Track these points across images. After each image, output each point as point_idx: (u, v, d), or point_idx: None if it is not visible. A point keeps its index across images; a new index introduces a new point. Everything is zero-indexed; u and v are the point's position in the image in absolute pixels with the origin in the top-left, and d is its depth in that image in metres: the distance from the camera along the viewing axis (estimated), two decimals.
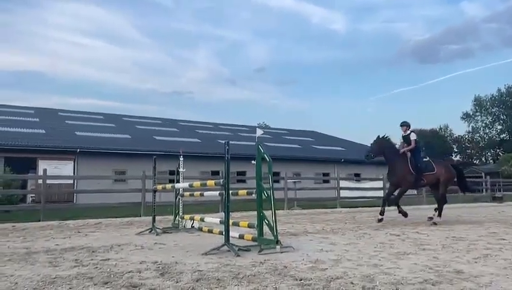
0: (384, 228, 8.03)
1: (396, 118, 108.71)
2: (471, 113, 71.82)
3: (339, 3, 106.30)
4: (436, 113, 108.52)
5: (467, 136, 72.42)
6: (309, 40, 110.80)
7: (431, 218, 9.03)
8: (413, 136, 9.14)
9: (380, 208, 9.08)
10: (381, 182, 18.35)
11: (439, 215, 9.08)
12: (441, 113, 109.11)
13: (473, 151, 72.29)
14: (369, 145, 9.45)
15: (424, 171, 8.96)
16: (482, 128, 71.62)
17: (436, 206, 9.46)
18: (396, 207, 9.36)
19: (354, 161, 31.92)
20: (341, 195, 16.82)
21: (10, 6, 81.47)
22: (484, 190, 23.74)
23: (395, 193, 9.33)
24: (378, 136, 9.18)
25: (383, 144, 9.07)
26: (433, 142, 69.26)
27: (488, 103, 70.47)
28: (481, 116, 71.51)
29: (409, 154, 9.03)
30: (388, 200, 9.23)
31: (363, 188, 19.03)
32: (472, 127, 71.87)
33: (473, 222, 9.34)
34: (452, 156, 71.03)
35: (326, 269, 4.03)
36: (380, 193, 17.86)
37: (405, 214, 9.23)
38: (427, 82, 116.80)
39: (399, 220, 9.92)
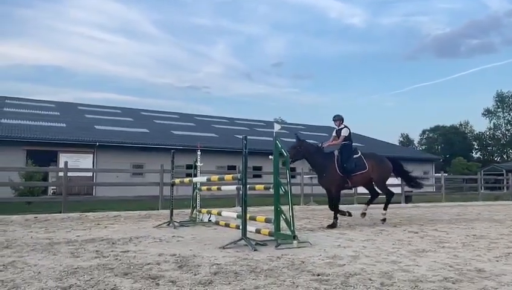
0: (402, 225, 7.94)
1: (416, 113, 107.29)
2: (492, 110, 70.14)
3: None
4: (456, 109, 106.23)
5: (488, 133, 70.77)
6: (327, 34, 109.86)
7: (364, 214, 8.27)
8: (344, 132, 8.11)
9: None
10: (399, 178, 18.08)
11: (385, 208, 8.31)
12: (462, 109, 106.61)
13: (494, 148, 70.65)
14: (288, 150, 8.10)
15: (353, 171, 7.85)
16: (503, 125, 69.90)
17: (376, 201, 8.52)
18: (336, 212, 7.78)
19: None
20: (358, 191, 16.66)
21: (34, 2, 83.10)
22: (505, 187, 23.24)
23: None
24: (298, 137, 8.10)
25: (302, 146, 7.98)
26: (453, 139, 68.01)
27: (511, 99, 68.66)
28: (503, 113, 69.75)
29: (336, 152, 8.05)
30: (336, 207, 7.83)
31: None
32: (493, 123, 70.22)
33: (493, 220, 9.14)
34: (472, 153, 69.63)
35: (344, 264, 4.02)
36: (398, 190, 17.67)
37: (349, 214, 8.06)
38: (447, 77, 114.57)
39: (417, 217, 9.80)
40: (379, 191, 8.56)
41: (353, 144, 8.36)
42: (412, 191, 19.40)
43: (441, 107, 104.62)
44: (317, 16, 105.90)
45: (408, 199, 17.43)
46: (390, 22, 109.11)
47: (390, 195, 8.48)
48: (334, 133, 8.43)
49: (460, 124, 73.33)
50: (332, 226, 7.44)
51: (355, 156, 8.09)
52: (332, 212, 7.73)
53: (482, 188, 20.88)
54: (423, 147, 73.05)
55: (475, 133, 72.31)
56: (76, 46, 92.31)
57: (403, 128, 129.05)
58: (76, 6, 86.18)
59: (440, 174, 21.33)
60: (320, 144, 8.32)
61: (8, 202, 13.40)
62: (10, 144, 19.93)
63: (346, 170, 7.82)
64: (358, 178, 8.00)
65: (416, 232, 6.75)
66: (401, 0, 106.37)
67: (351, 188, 9.01)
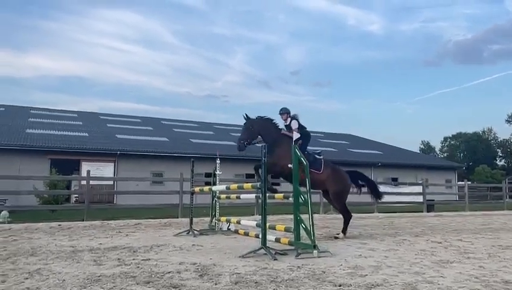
0: (424, 235, 7.78)
1: (437, 120, 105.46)
2: None
3: (376, 4, 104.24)
4: (479, 116, 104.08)
5: None
6: (345, 41, 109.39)
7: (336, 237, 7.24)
8: (294, 125, 7.47)
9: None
10: (421, 187, 17.78)
11: (343, 231, 7.33)
12: (484, 115, 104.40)
13: None
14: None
15: (310, 164, 6.71)
16: None
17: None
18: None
19: (392, 165, 31.16)
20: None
21: (58, 15, 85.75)
22: None
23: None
24: (247, 117, 7.42)
25: (255, 124, 7.32)
26: (476, 146, 66.39)
27: None
28: None
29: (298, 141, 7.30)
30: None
31: (402, 192, 18.49)
32: None
33: None
34: (496, 160, 67.76)
35: (366, 275, 3.96)
36: (420, 198, 17.35)
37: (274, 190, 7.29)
38: (469, 83, 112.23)
39: (440, 227, 9.59)
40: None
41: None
42: (433, 200, 19.03)
43: (463, 113, 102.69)
44: (335, 23, 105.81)
45: (430, 208, 17.06)
46: (410, 28, 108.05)
47: (347, 216, 7.57)
48: (284, 130, 7.66)
49: (483, 131, 71.57)
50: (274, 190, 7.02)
51: (317, 156, 7.55)
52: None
53: (507, 196, 20.27)
54: (445, 155, 71.51)
55: (499, 140, 70.44)
56: (98, 57, 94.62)
57: (423, 136, 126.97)
58: (99, 18, 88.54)
59: (463, 183, 20.85)
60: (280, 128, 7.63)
61: (33, 210, 13.77)
62: (35, 153, 20.48)
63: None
64: (312, 175, 6.90)
65: (440, 242, 6.60)
66: (420, 6, 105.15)
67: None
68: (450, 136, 74.28)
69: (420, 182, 18.66)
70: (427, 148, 74.87)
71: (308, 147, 7.67)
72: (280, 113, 7.70)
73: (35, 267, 4.32)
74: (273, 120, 7.60)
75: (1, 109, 29.12)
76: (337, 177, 7.54)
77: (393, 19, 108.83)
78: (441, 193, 24.88)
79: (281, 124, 7.71)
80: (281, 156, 6.97)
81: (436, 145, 76.83)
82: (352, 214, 7.83)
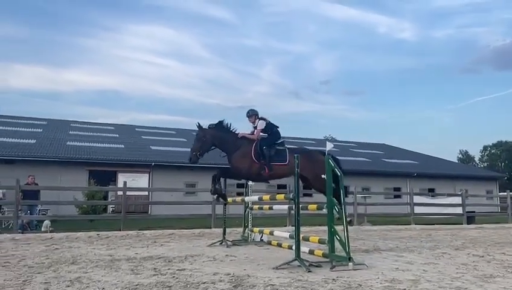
0: (465, 248, 7.47)
1: (475, 128, 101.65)
2: None
3: (408, 10, 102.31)
4: None
5: None
6: (376, 49, 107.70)
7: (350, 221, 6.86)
8: (260, 125, 7.18)
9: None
10: (460, 198, 17.12)
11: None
12: None
13: None
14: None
15: (272, 159, 6.91)
16: None
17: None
18: (217, 180, 7.21)
19: (428, 175, 30.21)
20: (415, 211, 15.94)
21: (95, 31, 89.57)
22: None
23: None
24: (199, 126, 7.14)
25: (207, 134, 7.05)
26: None
27: None
28: None
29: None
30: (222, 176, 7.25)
31: (440, 204, 17.85)
32: None
33: None
34: None
35: (404, 289, 3.84)
36: (459, 210, 16.70)
37: (224, 197, 7.49)
38: (509, 90, 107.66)
39: (482, 239, 9.17)
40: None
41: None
42: (474, 212, 18.26)
43: (504, 121, 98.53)
44: (365, 31, 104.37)
45: (470, 220, 16.38)
46: (444, 34, 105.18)
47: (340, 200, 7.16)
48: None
49: None
50: (224, 198, 7.18)
51: (279, 147, 7.15)
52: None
53: None
54: (485, 164, 68.66)
55: None
56: (133, 71, 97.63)
57: (461, 145, 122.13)
58: (133, 33, 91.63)
59: (506, 193, 19.89)
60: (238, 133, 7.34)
61: (73, 220, 14.28)
62: (74, 164, 21.29)
63: (264, 155, 6.86)
64: (277, 169, 6.96)
65: (482, 256, 6.32)
66: (455, 12, 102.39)
67: (266, 179, 7.47)
68: (490, 144, 71.38)
69: (459, 193, 17.96)
70: (466, 158, 72.14)
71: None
72: (248, 116, 7.45)
73: (75, 276, 4.48)
74: (226, 126, 7.29)
75: (44, 123, 30.55)
76: (311, 162, 6.98)
77: (426, 26, 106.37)
78: (482, 204, 23.85)
79: (250, 127, 7.44)
80: (237, 159, 6.91)
81: (476, 154, 73.98)
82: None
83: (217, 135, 7.15)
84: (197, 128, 7.20)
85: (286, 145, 7.34)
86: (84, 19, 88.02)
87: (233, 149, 7.05)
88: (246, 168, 6.96)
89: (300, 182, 6.91)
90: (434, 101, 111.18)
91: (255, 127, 7.30)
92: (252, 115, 7.40)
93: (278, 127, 7.40)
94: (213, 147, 7.23)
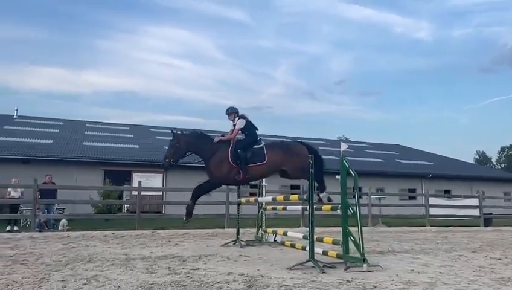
0: (482, 251, 7.34)
1: (493, 129, 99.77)
2: None
3: (424, 10, 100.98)
4: None
5: None
6: (392, 49, 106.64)
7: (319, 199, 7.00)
8: (239, 124, 7.03)
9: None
10: (477, 199, 16.83)
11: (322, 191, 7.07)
12: None
13: None
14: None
15: (248, 161, 6.75)
16: None
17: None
18: (194, 200, 7.24)
19: (444, 177, 29.75)
20: (430, 213, 15.72)
21: (111, 33, 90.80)
22: None
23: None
24: (173, 133, 7.09)
25: (181, 140, 6.96)
26: None
27: None
28: None
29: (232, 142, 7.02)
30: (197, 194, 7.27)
31: (456, 206, 17.57)
32: None
33: None
34: None
35: None
36: (475, 212, 16.40)
37: (190, 214, 7.28)
38: None
39: (499, 242, 9.00)
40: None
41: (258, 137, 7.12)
42: (491, 214, 17.91)
43: None
44: (381, 31, 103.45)
45: (487, 222, 16.08)
46: (462, 34, 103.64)
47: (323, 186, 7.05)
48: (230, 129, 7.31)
49: None
50: (188, 216, 7.03)
51: (256, 146, 6.97)
52: None
53: None
54: (502, 166, 67.32)
55: None
56: (149, 72, 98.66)
57: (478, 146, 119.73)
58: (149, 36, 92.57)
59: None
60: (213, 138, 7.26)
61: (89, 219, 14.51)
62: (90, 164, 21.57)
63: (240, 158, 6.71)
64: (254, 171, 6.84)
65: (500, 259, 6.20)
66: (472, 11, 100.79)
67: (243, 183, 7.45)
68: (508, 145, 70.00)
69: (476, 194, 17.65)
70: (483, 159, 70.88)
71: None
72: (227, 113, 7.30)
73: (92, 274, 4.55)
74: (201, 133, 7.32)
75: (60, 123, 31.06)
76: (291, 154, 6.95)
77: (443, 25, 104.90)
78: (499, 206, 23.39)
79: (231, 125, 7.35)
80: (214, 165, 6.85)
81: (493, 155, 72.61)
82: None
83: (192, 141, 7.08)
84: (172, 134, 7.11)
85: (263, 143, 7.17)
86: (102, 21, 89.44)
87: (210, 154, 6.95)
88: (224, 174, 6.86)
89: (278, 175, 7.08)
90: (450, 102, 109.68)
91: (234, 126, 7.16)
92: (232, 112, 7.24)
93: (257, 129, 7.26)
94: (188, 153, 7.19)
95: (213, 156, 6.92)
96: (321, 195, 7.15)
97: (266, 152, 6.92)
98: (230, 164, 6.82)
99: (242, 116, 7.20)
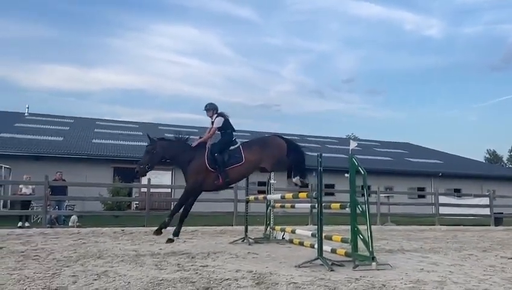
0: (493, 250, 7.27)
1: (504, 127, 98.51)
2: None
3: (434, 7, 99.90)
4: None
5: None
6: (401, 47, 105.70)
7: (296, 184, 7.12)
8: (217, 122, 6.86)
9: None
10: (487, 198, 16.66)
11: (303, 177, 7.07)
12: None
13: None
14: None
15: (226, 164, 6.65)
16: None
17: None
18: (173, 214, 7.07)
19: (454, 175, 29.49)
20: (440, 212, 15.60)
21: (120, 32, 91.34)
22: None
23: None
24: (150, 138, 7.03)
25: (157, 146, 6.87)
26: None
27: None
28: None
29: (208, 143, 6.89)
30: (177, 208, 7.12)
31: (466, 205, 17.41)
32: None
33: None
34: None
35: None
36: (486, 211, 16.24)
37: (160, 231, 7.05)
38: None
39: (510, 242, 8.90)
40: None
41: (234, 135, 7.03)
42: (502, 213, 17.71)
43: None
44: (390, 29, 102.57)
45: (498, 222, 15.92)
46: (472, 31, 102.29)
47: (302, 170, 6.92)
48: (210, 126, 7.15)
49: None
50: (158, 231, 6.77)
51: (232, 147, 6.86)
52: None
53: None
54: None
55: None
56: (157, 70, 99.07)
57: (489, 144, 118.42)
58: (158, 33, 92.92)
59: None
60: (191, 143, 7.14)
61: (99, 215, 14.67)
62: (100, 162, 21.79)
63: (217, 162, 6.56)
64: (233, 173, 6.74)
65: (510, 258, 6.14)
66: (483, 8, 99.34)
67: (222, 187, 7.27)
68: None
69: (487, 193, 17.48)
70: (494, 158, 70.00)
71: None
72: (205, 109, 7.12)
73: (102, 270, 4.60)
74: (179, 139, 7.18)
75: (71, 121, 31.39)
76: (268, 149, 6.88)
77: (454, 22, 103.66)
78: (510, 205, 23.13)
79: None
80: (192, 173, 6.72)
81: (504, 154, 71.68)
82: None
83: (168, 147, 6.98)
84: (148, 140, 7.05)
85: (239, 142, 7.08)
86: (111, 20, 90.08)
87: (187, 162, 6.82)
88: (203, 180, 6.77)
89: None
90: (460, 100, 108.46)
91: (212, 123, 7.02)
92: (210, 109, 7.07)
93: (234, 130, 7.17)
94: (163, 160, 7.15)
95: (190, 163, 6.79)
96: (294, 179, 7.11)
97: (243, 152, 6.83)
98: (207, 170, 6.71)
99: (221, 114, 7.05)
